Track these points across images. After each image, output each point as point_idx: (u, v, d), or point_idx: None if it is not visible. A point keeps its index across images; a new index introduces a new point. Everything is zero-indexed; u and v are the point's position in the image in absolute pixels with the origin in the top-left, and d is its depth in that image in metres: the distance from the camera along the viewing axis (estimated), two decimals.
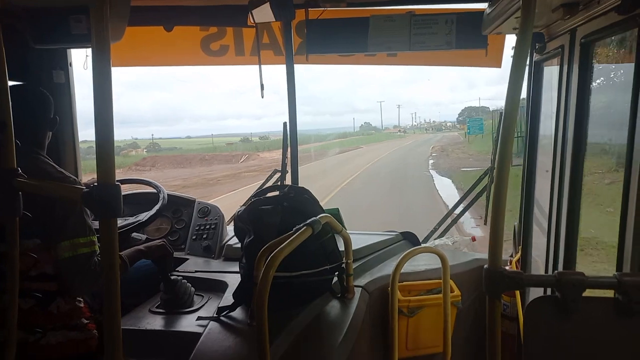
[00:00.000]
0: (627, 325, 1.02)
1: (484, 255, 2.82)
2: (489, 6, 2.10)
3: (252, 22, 2.69)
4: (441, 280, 2.32)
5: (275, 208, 1.99)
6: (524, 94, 2.50)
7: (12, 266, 1.37)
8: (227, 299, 2.04)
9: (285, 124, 2.84)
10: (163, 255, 2.11)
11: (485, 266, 1.00)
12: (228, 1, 2.62)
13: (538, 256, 2.42)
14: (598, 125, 1.95)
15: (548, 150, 2.17)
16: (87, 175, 2.86)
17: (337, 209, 2.86)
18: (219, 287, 2.26)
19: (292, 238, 1.59)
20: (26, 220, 1.42)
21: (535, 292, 2.21)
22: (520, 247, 2.64)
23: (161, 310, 2.11)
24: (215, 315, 1.93)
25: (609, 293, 1.04)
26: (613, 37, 1.72)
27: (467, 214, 3.67)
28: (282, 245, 1.53)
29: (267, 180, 3.24)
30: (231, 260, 2.55)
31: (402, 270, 2.30)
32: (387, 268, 2.49)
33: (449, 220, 3.24)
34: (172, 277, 2.15)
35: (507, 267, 1.35)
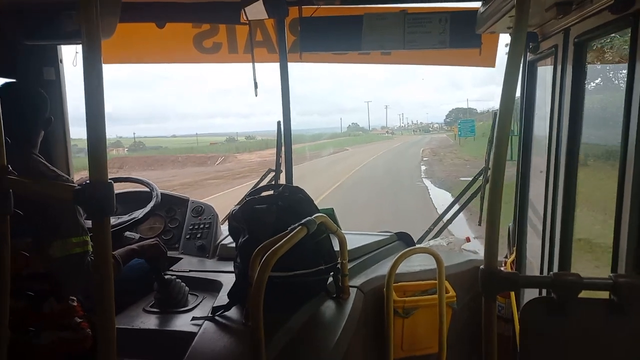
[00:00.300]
0: (622, 326, 1.03)
1: (479, 255, 2.83)
2: (483, 5, 2.10)
3: (245, 19, 2.67)
4: (436, 281, 2.32)
5: (270, 207, 1.98)
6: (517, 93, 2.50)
7: (3, 265, 1.35)
8: (222, 298, 2.03)
9: (279, 123, 2.83)
10: (156, 255, 2.10)
11: (481, 267, 1.00)
12: None
13: (533, 257, 2.43)
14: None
15: (542, 150, 2.17)
16: (77, 174, 2.82)
17: (332, 209, 2.85)
18: (213, 287, 2.25)
19: (287, 238, 1.58)
20: (17, 219, 1.40)
21: (531, 294, 2.22)
22: (514, 248, 2.65)
23: (155, 310, 2.09)
24: (210, 314, 1.92)
25: (604, 294, 1.04)
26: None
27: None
28: (277, 245, 1.52)
29: (262, 179, 3.22)
30: (225, 260, 2.53)
31: (398, 271, 2.29)
32: (382, 268, 2.49)
33: (443, 221, 3.25)
34: (166, 277, 2.13)
35: (502, 268, 1.35)
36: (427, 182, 18.07)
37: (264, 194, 2.23)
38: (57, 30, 2.34)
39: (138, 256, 2.04)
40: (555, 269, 1.93)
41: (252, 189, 2.66)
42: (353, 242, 2.53)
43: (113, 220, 2.41)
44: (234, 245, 2.12)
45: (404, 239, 3.00)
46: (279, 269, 1.63)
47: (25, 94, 1.91)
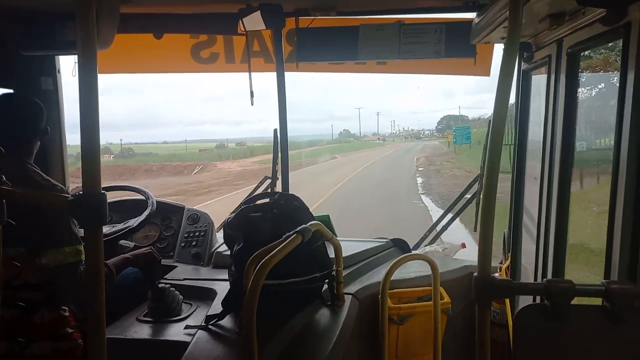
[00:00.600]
0: (615, 333, 1.03)
1: (474, 262, 2.83)
2: (478, 16, 2.12)
3: (243, 29, 2.69)
4: (431, 288, 2.32)
5: (265, 215, 1.98)
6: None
7: None
8: (216, 307, 2.02)
9: (275, 130, 2.84)
10: (150, 263, 2.09)
11: (475, 274, 1.00)
12: (218, 9, 2.62)
13: (528, 263, 2.44)
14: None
15: (537, 157, 2.19)
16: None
17: (328, 216, 2.86)
18: (207, 295, 2.24)
19: (282, 245, 1.58)
20: (10, 228, 1.40)
21: (525, 299, 2.22)
22: (509, 254, 2.65)
23: (149, 319, 2.07)
24: (203, 323, 1.91)
25: (598, 301, 1.04)
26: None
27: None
28: (272, 253, 1.52)
29: (257, 187, 3.23)
30: (220, 268, 2.53)
31: (393, 278, 2.29)
32: (377, 275, 2.49)
33: (439, 227, 3.26)
34: (160, 285, 2.12)
35: (496, 274, 1.36)
36: (427, 200, 14.85)
37: (259, 202, 2.23)
38: (54, 40, 2.35)
39: (132, 265, 2.03)
40: (549, 275, 1.94)
41: (247, 196, 2.65)
42: (348, 249, 2.53)
43: (108, 229, 2.40)
44: (229, 253, 2.11)
45: (400, 245, 3.01)
46: (274, 277, 1.63)
47: (21, 103, 1.90)
